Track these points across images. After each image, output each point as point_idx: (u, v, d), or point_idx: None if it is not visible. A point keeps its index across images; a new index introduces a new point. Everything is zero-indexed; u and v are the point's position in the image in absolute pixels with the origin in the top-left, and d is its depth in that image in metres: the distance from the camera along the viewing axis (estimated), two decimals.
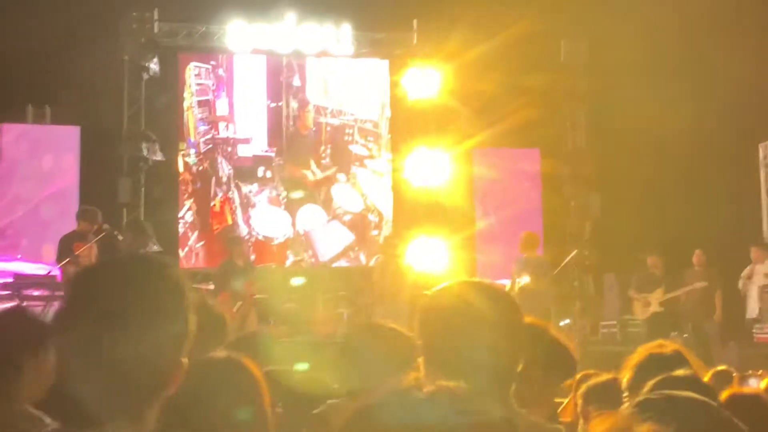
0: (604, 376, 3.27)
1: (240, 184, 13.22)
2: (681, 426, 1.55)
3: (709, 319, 11.18)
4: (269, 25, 13.10)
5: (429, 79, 13.39)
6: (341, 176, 13.57)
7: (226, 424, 1.83)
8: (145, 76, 12.92)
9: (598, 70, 13.18)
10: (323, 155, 13.56)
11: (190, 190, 13.10)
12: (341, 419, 2.59)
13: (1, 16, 10.67)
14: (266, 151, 13.36)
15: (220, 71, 13.33)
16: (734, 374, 5.00)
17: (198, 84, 13.24)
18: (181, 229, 12.92)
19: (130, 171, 12.66)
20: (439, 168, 13.32)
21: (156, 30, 13.00)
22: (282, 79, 13.50)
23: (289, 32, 13.10)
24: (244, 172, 13.26)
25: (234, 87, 13.35)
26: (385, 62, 13.81)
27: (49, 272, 10.14)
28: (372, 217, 13.60)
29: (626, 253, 12.37)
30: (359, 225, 13.50)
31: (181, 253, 12.73)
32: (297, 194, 13.26)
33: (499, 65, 12.34)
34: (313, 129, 13.57)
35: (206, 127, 13.23)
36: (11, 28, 10.62)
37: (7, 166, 12.07)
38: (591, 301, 13.51)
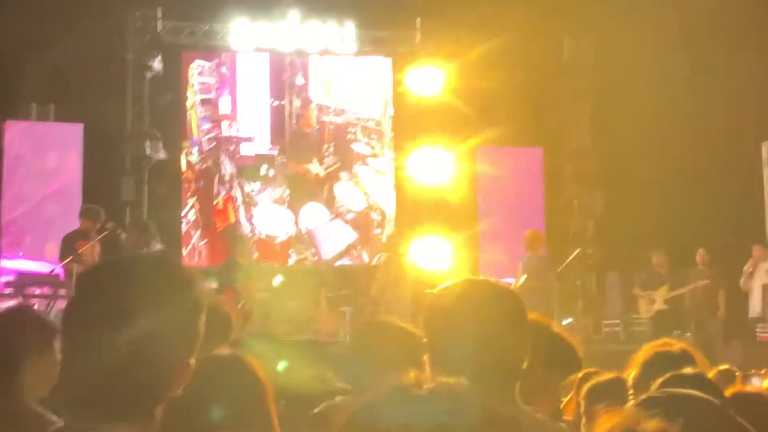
0: (607, 375, 3.27)
1: (243, 182, 13.22)
2: (684, 424, 1.55)
3: (713, 317, 11.18)
4: (272, 23, 13.10)
5: (432, 78, 13.38)
6: (344, 175, 13.57)
7: (230, 422, 1.83)
8: (149, 74, 12.93)
9: (602, 69, 13.17)
10: (326, 154, 13.56)
11: (193, 188, 13.11)
12: (342, 418, 2.59)
13: (5, 14, 10.67)
14: (269, 150, 13.37)
15: (223, 69, 13.34)
16: (737, 373, 4.99)
17: (201, 82, 13.25)
18: (184, 228, 12.93)
19: (134, 169, 12.68)
20: (441, 166, 13.32)
21: (159, 28, 13.01)
22: (285, 78, 13.50)
23: (292, 30, 13.10)
24: (247, 170, 13.27)
25: (237, 85, 13.35)
26: (388, 60, 13.81)
27: (52, 270, 10.15)
28: (375, 216, 13.60)
29: (629, 252, 12.36)
30: (362, 223, 13.50)
31: (184, 252, 12.74)
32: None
33: (503, 63, 12.33)
34: (316, 127, 13.57)
35: (209, 126, 13.24)
36: (15, 25, 10.63)
37: (10, 164, 12.08)
38: (594, 300, 13.51)
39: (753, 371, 5.90)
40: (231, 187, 13.19)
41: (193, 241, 12.95)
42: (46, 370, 2.43)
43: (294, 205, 13.31)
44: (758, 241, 11.56)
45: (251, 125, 13.35)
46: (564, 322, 11.19)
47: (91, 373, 1.42)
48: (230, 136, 13.28)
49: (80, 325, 1.45)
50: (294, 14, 13.02)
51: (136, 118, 12.90)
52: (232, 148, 13.27)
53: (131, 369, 1.42)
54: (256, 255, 12.34)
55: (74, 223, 9.71)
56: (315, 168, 13.50)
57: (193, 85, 13.20)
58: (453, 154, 13.32)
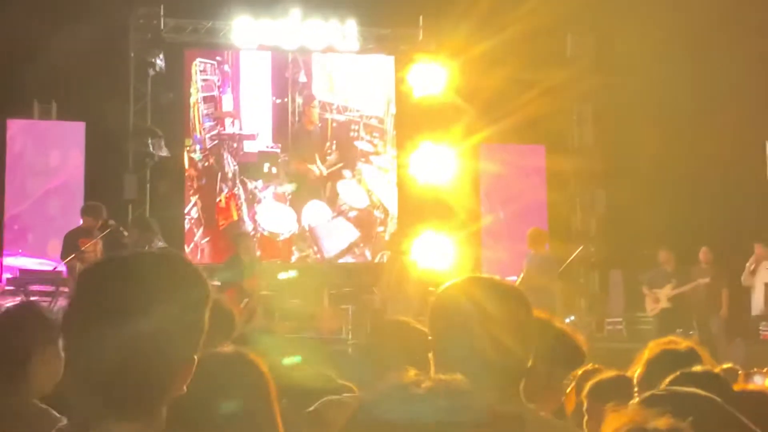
0: (610, 373, 3.27)
1: (245, 180, 13.23)
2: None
3: (715, 315, 11.18)
4: (275, 21, 13.09)
5: (434, 75, 13.37)
6: (347, 172, 13.57)
7: (233, 418, 1.83)
8: (151, 72, 12.93)
9: (605, 66, 13.15)
10: (329, 151, 13.56)
11: (195, 186, 13.11)
12: (338, 415, 2.59)
13: (7, 12, 10.68)
14: (272, 147, 13.37)
15: (226, 67, 13.34)
16: (740, 372, 4.98)
17: (203, 80, 13.25)
18: (186, 225, 12.94)
19: (136, 167, 12.68)
20: (444, 164, 13.31)
21: (162, 26, 13.01)
22: (287, 75, 13.50)
23: (294, 28, 13.09)
24: (250, 168, 13.27)
25: (240, 83, 13.35)
26: (391, 58, 13.80)
27: (54, 268, 10.16)
28: (377, 214, 13.60)
29: (632, 250, 12.36)
30: (365, 221, 13.50)
31: (187, 249, 12.74)
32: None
33: (505, 61, 12.31)
34: (319, 125, 13.57)
35: (212, 123, 13.24)
36: (17, 23, 10.63)
37: (13, 162, 12.09)
38: (596, 298, 13.50)
39: (755, 369, 5.89)
40: (234, 185, 13.20)
41: (195, 238, 12.96)
42: (51, 367, 2.43)
43: (296, 202, 13.31)
44: (762, 239, 11.55)
45: (254, 123, 13.35)
46: (567, 320, 11.19)
47: (94, 371, 1.42)
48: (233, 133, 13.28)
49: (82, 323, 1.44)
50: (296, 12, 13.02)
51: (139, 115, 12.90)
52: (234, 145, 13.27)
53: (135, 366, 1.41)
54: (258, 253, 12.34)
55: (76, 221, 9.72)
56: (317, 166, 13.49)
57: (195, 83, 13.20)
58: (455, 151, 13.31)
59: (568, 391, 3.60)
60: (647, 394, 1.95)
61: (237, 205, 13.16)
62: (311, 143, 13.52)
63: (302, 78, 13.54)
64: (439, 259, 12.52)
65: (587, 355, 2.85)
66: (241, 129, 13.30)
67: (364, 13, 13.27)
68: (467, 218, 13.03)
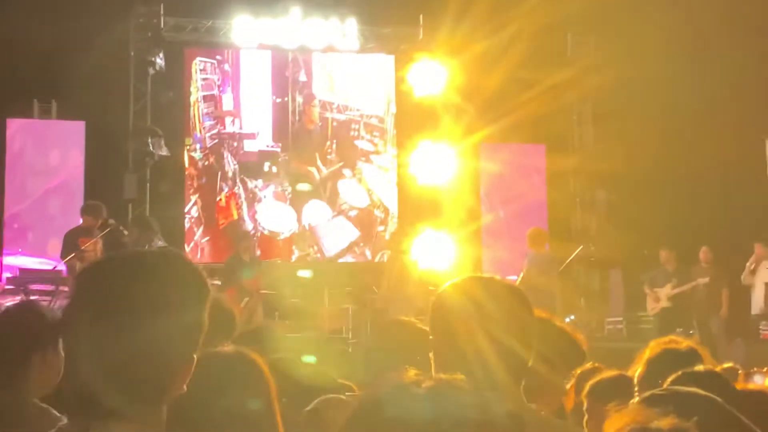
0: (610, 372, 3.27)
1: (246, 179, 13.22)
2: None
3: (715, 315, 11.18)
4: (275, 19, 13.09)
5: (435, 75, 13.36)
6: (347, 172, 13.57)
7: (234, 418, 1.83)
8: (151, 71, 12.93)
9: (605, 65, 13.14)
10: (329, 151, 13.56)
11: (195, 185, 13.11)
12: (335, 414, 2.59)
13: (7, 11, 10.67)
14: (272, 147, 13.37)
15: (226, 66, 13.34)
16: (739, 371, 4.99)
17: (203, 79, 13.25)
18: (186, 224, 12.94)
19: (136, 166, 12.68)
20: (444, 163, 13.31)
21: (162, 25, 13.00)
22: (288, 75, 13.50)
23: (294, 27, 13.09)
24: (250, 167, 13.27)
25: (240, 82, 13.35)
26: (391, 57, 13.80)
27: (54, 267, 10.16)
28: (378, 213, 13.60)
29: (632, 249, 12.35)
30: (365, 220, 13.50)
31: (187, 248, 12.74)
32: (303, 186, 13.25)
33: (505, 60, 12.31)
34: (319, 124, 13.57)
35: (212, 122, 13.24)
36: (17, 22, 10.63)
37: (12, 161, 12.09)
38: (596, 297, 13.50)
39: (755, 369, 5.89)
40: (234, 184, 13.20)
41: (195, 237, 12.95)
42: (51, 367, 2.43)
43: (296, 201, 13.31)
44: (762, 238, 11.55)
45: (254, 122, 13.35)
46: (567, 320, 11.19)
47: (94, 370, 1.42)
48: (233, 132, 13.28)
49: (81, 322, 1.44)
50: (296, 11, 13.01)
51: (139, 115, 12.89)
52: (234, 144, 13.27)
53: (134, 366, 1.41)
54: (258, 252, 12.35)
55: (76, 220, 9.72)
56: (318, 166, 13.49)
57: (195, 82, 13.20)
58: (455, 150, 13.31)
59: (567, 389, 3.60)
60: (647, 393, 1.95)
61: (237, 204, 13.16)
62: (311, 142, 13.52)
63: (302, 77, 13.54)
64: (439, 258, 12.52)
65: (587, 355, 2.85)
66: (241, 128, 13.30)
67: (365, 12, 13.27)
68: (467, 217, 13.03)
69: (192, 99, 13.18)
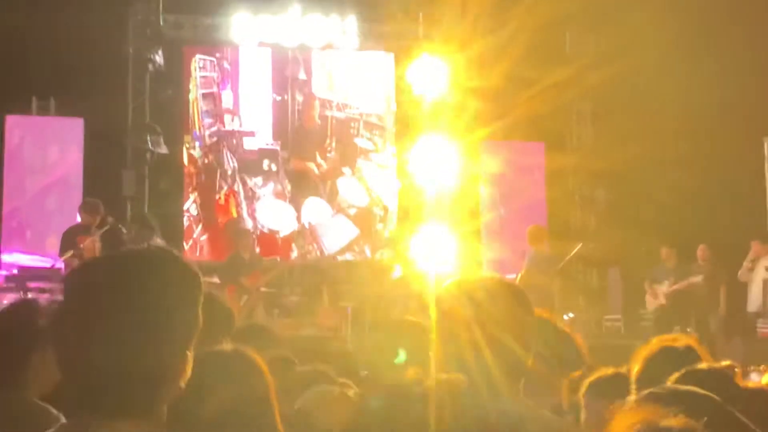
0: (608, 370, 3.27)
1: (245, 177, 13.22)
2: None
3: (714, 313, 11.19)
4: (274, 17, 13.08)
5: (434, 73, 13.35)
6: (347, 170, 13.57)
7: (233, 416, 1.84)
8: (150, 68, 12.92)
9: (604, 63, 13.14)
10: (328, 149, 13.56)
11: (194, 182, 13.11)
12: (330, 410, 2.59)
13: (6, 8, 10.66)
14: (271, 145, 13.36)
15: (225, 64, 13.33)
16: (737, 369, 4.99)
17: (203, 76, 13.24)
18: (185, 222, 12.93)
19: (135, 163, 12.67)
20: (444, 161, 13.30)
21: (161, 22, 12.99)
22: (287, 73, 13.49)
23: (294, 24, 13.08)
24: (249, 165, 13.26)
25: (239, 80, 13.34)
26: (391, 55, 13.79)
27: (53, 265, 10.15)
28: (377, 211, 13.59)
29: (631, 247, 12.35)
30: (364, 219, 13.50)
31: (186, 246, 12.75)
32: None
33: (505, 58, 12.30)
34: (319, 122, 13.56)
35: (211, 120, 13.23)
36: (16, 19, 10.62)
37: (11, 158, 12.08)
38: (595, 295, 13.51)
39: (752, 367, 5.91)
40: (233, 182, 13.19)
41: (194, 235, 12.95)
42: (50, 366, 2.42)
43: (296, 200, 13.31)
44: (761, 236, 11.56)
45: (253, 120, 13.34)
46: (565, 317, 11.20)
47: (87, 370, 1.42)
48: (232, 130, 13.27)
49: (72, 323, 1.44)
50: (296, 8, 13.00)
51: (138, 112, 12.89)
52: (234, 142, 13.26)
53: (127, 364, 1.41)
54: (258, 250, 12.35)
55: (75, 218, 9.71)
56: (317, 163, 13.49)
57: (195, 79, 13.19)
58: (455, 148, 13.30)
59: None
60: (645, 391, 1.95)
61: (236, 202, 13.16)
62: (311, 140, 13.51)
63: (302, 75, 13.53)
64: (439, 256, 12.51)
65: (587, 354, 2.85)
66: (240, 126, 13.30)
67: (364, 10, 13.26)
68: (467, 215, 13.03)
69: (191, 96, 13.17)
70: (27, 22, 10.83)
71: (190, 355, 1.49)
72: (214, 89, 13.27)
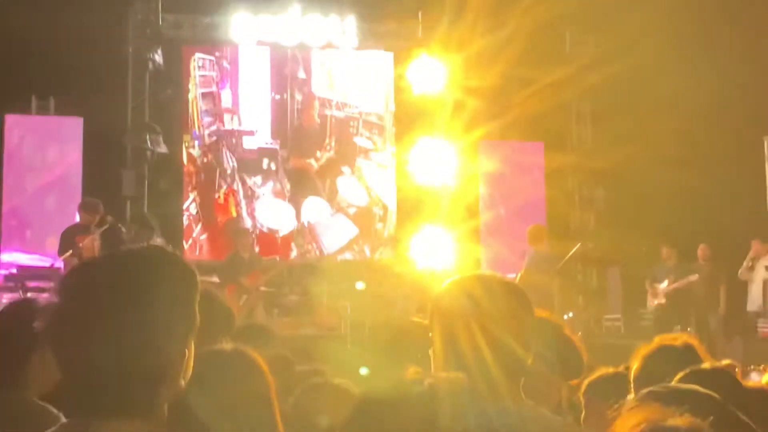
0: (606, 369, 3.27)
1: (244, 176, 13.22)
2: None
3: (714, 313, 11.20)
4: (274, 16, 13.08)
5: (434, 72, 13.36)
6: (346, 169, 13.56)
7: (234, 415, 1.84)
8: (150, 67, 12.92)
9: (604, 63, 13.14)
10: (328, 148, 13.56)
11: (194, 182, 13.11)
12: (325, 403, 2.59)
13: (5, 7, 10.66)
14: (271, 144, 13.36)
15: (225, 63, 13.32)
16: (736, 369, 5.00)
17: (202, 76, 13.23)
18: (185, 222, 12.93)
19: (134, 163, 12.67)
20: (443, 161, 13.31)
21: (160, 21, 12.99)
22: (287, 72, 13.49)
23: (293, 24, 13.08)
24: (249, 164, 13.26)
25: (239, 79, 13.33)
26: (390, 54, 13.79)
27: (52, 264, 10.15)
28: (377, 210, 13.59)
29: (630, 247, 12.35)
30: (364, 218, 13.50)
31: (185, 245, 12.75)
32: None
33: (504, 58, 12.30)
34: (318, 121, 13.56)
35: (210, 119, 13.23)
36: (16, 19, 10.62)
37: (10, 158, 12.07)
38: (594, 294, 13.52)
39: (752, 367, 5.91)
40: (232, 181, 13.19)
41: (194, 235, 12.95)
42: (50, 365, 2.42)
43: (295, 199, 13.31)
44: (761, 236, 11.56)
45: (253, 119, 13.34)
46: (565, 317, 11.20)
47: (85, 370, 1.42)
48: (232, 129, 13.27)
49: (68, 324, 1.44)
50: (295, 7, 13.00)
51: (137, 111, 12.88)
52: (233, 141, 13.26)
53: (124, 364, 1.41)
54: (257, 249, 12.35)
55: (74, 217, 9.70)
56: (316, 162, 13.49)
57: (194, 79, 13.18)
58: (454, 148, 13.31)
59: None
60: (645, 390, 1.95)
61: (236, 201, 13.15)
62: (310, 139, 13.51)
63: (301, 74, 13.53)
64: (438, 255, 12.52)
65: (585, 353, 2.85)
66: (240, 125, 13.29)
67: (364, 9, 13.26)
68: (466, 215, 13.04)
69: (190, 96, 13.16)
70: (27, 21, 10.82)
71: (189, 352, 1.49)
72: (214, 88, 13.27)
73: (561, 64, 13.21)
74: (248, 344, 2.06)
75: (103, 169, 12.17)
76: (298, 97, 13.50)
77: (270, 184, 13.28)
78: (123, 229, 9.73)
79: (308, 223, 13.30)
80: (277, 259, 12.52)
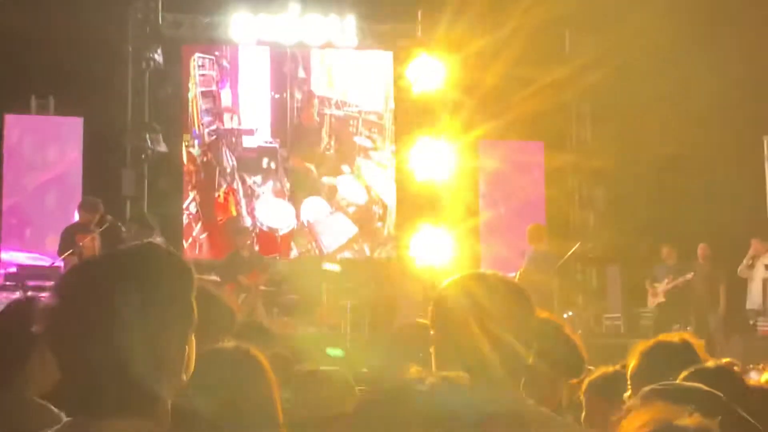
0: (608, 368, 3.27)
1: (244, 175, 13.22)
2: None
3: (713, 311, 11.21)
4: (273, 16, 13.08)
5: (433, 71, 13.35)
6: (346, 168, 13.56)
7: (236, 413, 1.84)
8: (149, 66, 12.91)
9: (603, 62, 13.14)
10: (327, 147, 13.56)
11: (194, 181, 13.11)
12: (328, 391, 2.58)
13: (6, 7, 10.65)
14: (270, 143, 13.36)
15: (224, 62, 13.32)
16: (735, 367, 4.99)
17: (202, 75, 13.23)
18: (185, 221, 12.93)
19: (134, 162, 12.66)
20: (443, 160, 13.30)
21: (160, 21, 12.98)
22: (286, 71, 13.49)
23: (293, 23, 13.08)
24: (249, 163, 13.26)
25: (238, 78, 13.33)
26: (390, 54, 13.78)
27: (52, 263, 10.15)
28: (376, 209, 13.59)
29: (630, 246, 12.36)
30: (363, 217, 13.50)
31: (185, 244, 12.75)
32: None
33: (504, 57, 12.30)
34: (318, 120, 13.56)
35: (210, 118, 13.23)
36: (16, 18, 10.61)
37: (10, 157, 12.07)
38: (594, 293, 13.52)
39: (751, 366, 5.91)
40: (232, 180, 13.19)
41: (194, 234, 12.95)
42: (50, 364, 2.42)
43: (295, 198, 13.31)
44: (761, 235, 11.56)
45: (252, 118, 13.34)
46: (564, 316, 11.21)
47: (84, 369, 1.42)
48: (231, 128, 13.27)
49: (67, 324, 1.44)
50: (295, 7, 13.00)
51: (137, 111, 12.87)
52: (233, 140, 13.26)
53: (126, 361, 1.41)
54: (257, 248, 12.35)
55: (74, 217, 9.70)
56: (316, 162, 13.49)
57: (194, 78, 13.19)
58: (454, 147, 13.31)
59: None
60: (647, 388, 1.95)
61: (236, 200, 13.15)
62: (310, 138, 13.51)
63: (301, 73, 13.53)
64: (437, 254, 12.52)
65: (585, 352, 2.85)
66: (239, 124, 13.29)
67: (363, 9, 13.26)
68: (466, 214, 13.04)
69: (190, 95, 13.16)
70: (26, 21, 10.81)
71: (190, 348, 1.49)
72: (213, 88, 13.26)
73: (560, 64, 13.20)
74: (248, 343, 2.06)
75: (103, 168, 12.17)
76: (298, 96, 13.51)
77: (270, 183, 13.29)
78: (123, 228, 9.73)
79: (308, 222, 13.30)
80: (277, 258, 12.53)
